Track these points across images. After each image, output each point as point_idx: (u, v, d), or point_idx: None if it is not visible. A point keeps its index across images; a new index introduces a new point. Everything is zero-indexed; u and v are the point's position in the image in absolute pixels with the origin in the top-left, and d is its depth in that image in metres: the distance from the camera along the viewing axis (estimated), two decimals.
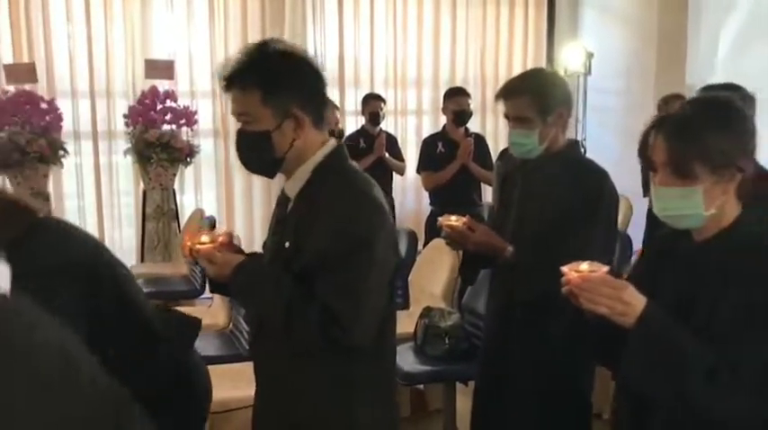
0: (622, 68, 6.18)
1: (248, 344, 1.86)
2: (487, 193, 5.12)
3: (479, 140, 4.89)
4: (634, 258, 3.51)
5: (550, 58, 6.78)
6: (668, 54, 5.69)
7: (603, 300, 1.39)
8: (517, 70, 6.67)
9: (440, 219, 2.38)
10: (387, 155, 5.28)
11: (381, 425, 1.73)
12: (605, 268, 1.43)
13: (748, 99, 2.62)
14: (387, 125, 5.68)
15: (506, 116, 2.32)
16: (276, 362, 1.73)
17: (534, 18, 6.79)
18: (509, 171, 2.48)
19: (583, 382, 2.34)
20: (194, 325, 1.96)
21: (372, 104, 5.40)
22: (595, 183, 2.23)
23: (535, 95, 2.25)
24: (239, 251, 1.76)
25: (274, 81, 1.62)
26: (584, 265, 1.44)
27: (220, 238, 1.71)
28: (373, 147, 5.21)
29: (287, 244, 1.65)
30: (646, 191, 3.39)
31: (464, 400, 3.29)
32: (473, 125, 5.07)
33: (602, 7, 6.55)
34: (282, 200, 1.76)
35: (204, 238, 1.70)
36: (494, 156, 4.89)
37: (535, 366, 2.25)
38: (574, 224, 2.15)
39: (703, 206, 1.43)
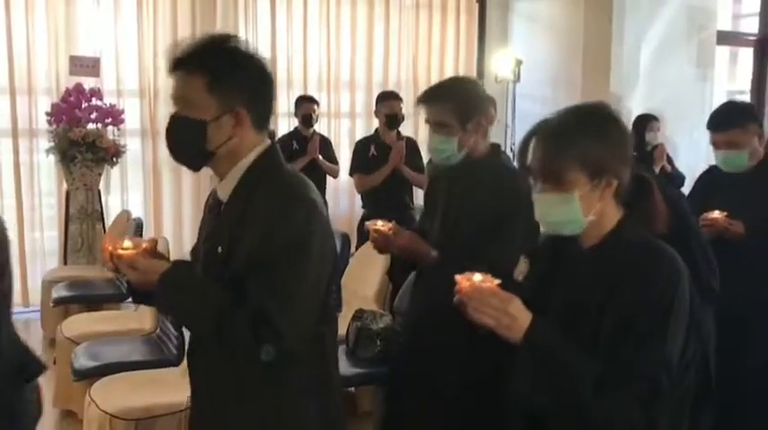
0: (550, 76, 6.34)
1: (187, 346, 1.79)
2: (419, 196, 5.16)
3: (411, 144, 4.94)
4: None
5: (481, 64, 6.90)
6: (593, 64, 5.87)
7: (490, 312, 1.40)
8: (449, 75, 6.76)
9: (367, 223, 2.40)
10: (320, 157, 5.27)
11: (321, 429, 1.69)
12: (497, 281, 1.44)
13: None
14: (320, 127, 5.66)
15: (427, 121, 2.36)
16: (212, 366, 1.67)
17: (466, 25, 6.90)
18: (435, 176, 2.52)
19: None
20: (36, 366, 1.80)
21: (305, 107, 5.38)
22: (514, 185, 2.27)
23: (456, 103, 2.30)
24: (164, 258, 1.69)
25: (225, 71, 1.57)
26: (478, 276, 1.45)
27: (144, 244, 1.62)
28: (306, 150, 5.19)
29: (219, 249, 1.60)
30: None
31: None
32: (405, 129, 5.11)
33: (531, 17, 6.70)
34: (214, 203, 1.70)
35: (127, 244, 1.60)
36: (425, 160, 4.94)
37: (451, 367, 2.27)
38: (496, 226, 2.20)
39: (581, 212, 1.46)
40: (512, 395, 1.52)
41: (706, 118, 2.99)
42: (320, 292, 1.61)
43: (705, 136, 3.00)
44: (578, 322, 1.46)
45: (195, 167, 1.69)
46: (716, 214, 2.82)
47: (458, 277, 1.46)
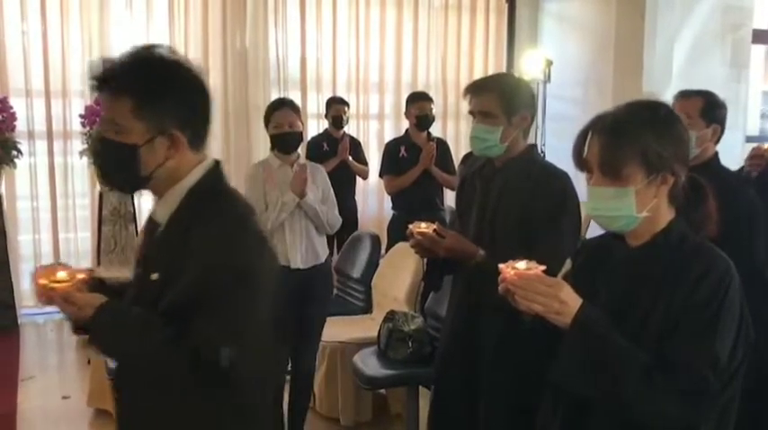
0: (581, 77, 6.27)
1: (113, 373, 1.68)
2: (449, 197, 5.15)
3: (442, 145, 4.92)
4: None
5: (510, 64, 6.85)
6: (625, 64, 5.80)
7: (539, 298, 1.39)
8: (478, 76, 6.73)
9: (410, 226, 2.37)
10: (350, 158, 5.27)
11: None
12: (542, 267, 1.43)
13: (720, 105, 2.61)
14: (348, 128, 5.67)
15: (471, 113, 2.35)
16: (140, 393, 1.56)
17: (495, 25, 6.86)
18: (468, 175, 2.50)
19: None
20: None
21: (336, 108, 5.39)
22: (560, 184, 2.26)
23: (503, 93, 2.29)
24: (103, 286, 1.60)
25: (152, 91, 1.43)
26: (522, 263, 1.44)
27: (79, 275, 1.52)
28: (336, 151, 5.20)
29: (154, 276, 1.47)
30: None
31: (427, 404, 3.30)
32: (435, 130, 5.09)
33: (562, 16, 6.65)
34: (150, 226, 1.56)
35: (61, 274, 1.50)
36: (456, 161, 4.92)
37: (507, 364, 2.25)
38: (543, 226, 2.17)
39: (635, 207, 1.44)
40: (552, 384, 1.50)
41: (740, 119, 2.93)
42: (265, 323, 1.50)
43: (738, 137, 2.94)
44: (623, 319, 1.43)
45: (130, 192, 1.59)
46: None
47: (501, 266, 1.45)
